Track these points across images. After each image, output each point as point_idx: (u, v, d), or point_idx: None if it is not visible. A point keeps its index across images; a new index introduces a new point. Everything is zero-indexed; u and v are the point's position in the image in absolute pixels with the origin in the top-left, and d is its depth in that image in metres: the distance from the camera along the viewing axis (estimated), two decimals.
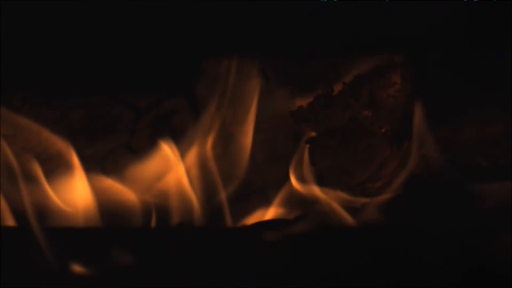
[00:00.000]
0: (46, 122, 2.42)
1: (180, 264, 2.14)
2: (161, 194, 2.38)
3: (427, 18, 2.38)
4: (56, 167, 2.42)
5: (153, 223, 2.33)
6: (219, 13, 2.41)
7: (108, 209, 2.35)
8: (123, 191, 2.38)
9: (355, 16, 2.38)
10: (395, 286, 2.10)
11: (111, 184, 2.38)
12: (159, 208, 2.36)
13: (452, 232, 2.16)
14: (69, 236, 2.24)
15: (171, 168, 2.40)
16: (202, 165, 2.42)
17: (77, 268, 2.11)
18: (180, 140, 2.41)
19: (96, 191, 2.36)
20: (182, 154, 2.40)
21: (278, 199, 2.38)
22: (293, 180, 2.40)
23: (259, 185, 2.44)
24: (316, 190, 2.38)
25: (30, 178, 2.38)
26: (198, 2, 2.41)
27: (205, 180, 2.41)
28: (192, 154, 2.41)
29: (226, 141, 2.44)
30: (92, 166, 2.41)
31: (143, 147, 2.42)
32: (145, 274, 2.12)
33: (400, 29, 2.39)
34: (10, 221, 2.28)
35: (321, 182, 2.39)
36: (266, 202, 2.40)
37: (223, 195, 2.40)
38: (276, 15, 2.40)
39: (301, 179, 2.40)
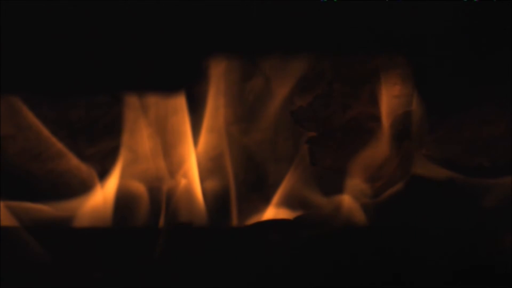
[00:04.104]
0: (46, 122, 2.42)
1: (181, 263, 2.14)
2: (162, 194, 2.38)
3: (427, 18, 2.38)
4: (56, 167, 2.42)
5: (161, 223, 2.33)
6: (219, 13, 2.41)
7: (113, 210, 2.36)
8: (127, 191, 2.38)
9: (355, 16, 2.38)
10: (395, 286, 2.10)
11: (115, 185, 2.38)
12: (159, 208, 2.36)
13: (452, 231, 2.17)
14: (72, 236, 2.24)
15: (172, 168, 2.40)
16: (203, 165, 2.42)
17: (80, 268, 2.11)
18: (180, 140, 2.41)
19: (102, 191, 2.37)
20: (183, 154, 2.41)
21: (278, 199, 2.38)
22: (293, 180, 2.40)
23: (259, 185, 2.44)
24: (316, 190, 2.38)
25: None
26: (198, 2, 2.41)
27: (205, 180, 2.41)
28: (192, 154, 2.41)
29: (226, 141, 2.44)
30: (92, 166, 2.41)
31: (143, 147, 2.42)
32: (145, 274, 2.12)
33: (400, 29, 2.39)
34: (9, 221, 2.28)
35: (321, 182, 2.39)
36: (266, 202, 2.40)
37: (223, 195, 2.40)
38: (276, 15, 2.40)
39: (301, 179, 2.40)
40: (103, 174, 2.40)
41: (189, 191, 2.37)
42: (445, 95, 2.40)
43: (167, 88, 2.43)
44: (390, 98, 2.38)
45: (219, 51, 2.41)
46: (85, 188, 2.37)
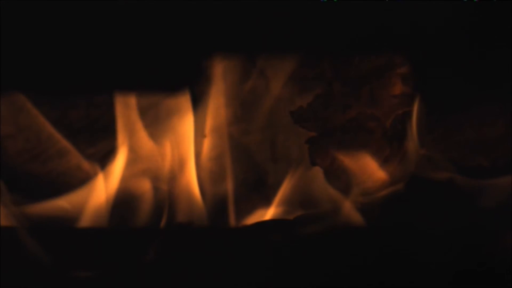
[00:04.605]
0: (46, 122, 2.42)
1: (181, 263, 2.14)
2: (162, 194, 2.38)
3: (427, 18, 2.38)
4: (56, 167, 2.42)
5: (161, 223, 2.33)
6: (219, 13, 2.41)
7: (113, 210, 2.36)
8: (127, 191, 2.38)
9: (355, 16, 2.38)
10: (395, 286, 2.10)
11: (115, 185, 2.38)
12: (159, 208, 2.36)
13: (452, 232, 2.16)
14: (72, 236, 2.24)
15: (171, 168, 2.40)
16: (203, 166, 2.42)
17: (80, 268, 2.11)
18: (180, 140, 2.41)
19: (102, 191, 2.37)
20: (183, 154, 2.40)
21: (278, 199, 2.38)
22: (293, 180, 2.40)
23: (259, 185, 2.44)
24: (316, 191, 2.38)
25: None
26: (198, 2, 2.41)
27: (205, 180, 2.41)
28: (192, 154, 2.41)
29: (226, 141, 2.44)
30: (92, 166, 2.41)
31: (143, 147, 2.42)
32: (145, 274, 2.12)
33: (400, 29, 2.39)
34: (9, 221, 2.28)
35: (321, 182, 2.39)
36: (266, 202, 2.40)
37: (223, 195, 2.40)
38: (276, 15, 2.40)
39: (301, 179, 2.40)
40: (103, 174, 2.39)
41: (189, 191, 2.37)
42: (445, 95, 2.40)
43: (167, 88, 2.43)
44: (390, 98, 2.38)
45: (219, 51, 2.41)
46: (85, 187, 2.37)
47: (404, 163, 2.38)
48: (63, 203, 2.35)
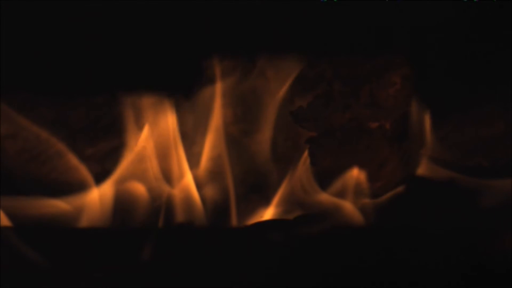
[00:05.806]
0: (46, 122, 2.43)
1: (181, 263, 2.14)
2: (161, 194, 2.38)
3: (427, 18, 2.38)
4: (56, 167, 2.42)
5: (160, 223, 2.33)
6: (219, 14, 2.41)
7: (112, 210, 2.36)
8: (126, 191, 2.39)
9: (355, 16, 2.39)
10: (395, 286, 2.10)
11: (114, 184, 2.38)
12: (159, 208, 2.36)
13: (452, 232, 2.17)
14: (71, 236, 2.25)
15: (171, 169, 2.40)
16: (202, 165, 2.42)
17: (79, 268, 2.12)
18: (179, 140, 2.41)
19: (102, 191, 2.37)
20: (182, 154, 2.41)
21: (278, 199, 2.38)
22: (293, 180, 2.40)
23: (259, 185, 2.44)
24: (316, 190, 2.38)
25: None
26: (198, 2, 2.41)
27: (205, 180, 2.41)
28: (192, 154, 2.41)
29: (226, 141, 2.44)
30: (92, 166, 2.41)
31: (143, 147, 2.42)
32: (144, 274, 2.12)
33: (400, 29, 2.39)
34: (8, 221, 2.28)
35: (321, 182, 2.39)
36: (266, 202, 2.40)
37: (223, 195, 2.40)
38: (276, 15, 2.40)
39: (301, 179, 2.40)
40: (102, 174, 2.40)
41: (188, 191, 2.37)
42: (445, 95, 2.40)
43: (167, 88, 2.43)
44: (390, 98, 2.38)
45: (219, 51, 2.41)
46: (84, 188, 2.38)
47: (404, 163, 2.38)
48: (62, 203, 2.35)
